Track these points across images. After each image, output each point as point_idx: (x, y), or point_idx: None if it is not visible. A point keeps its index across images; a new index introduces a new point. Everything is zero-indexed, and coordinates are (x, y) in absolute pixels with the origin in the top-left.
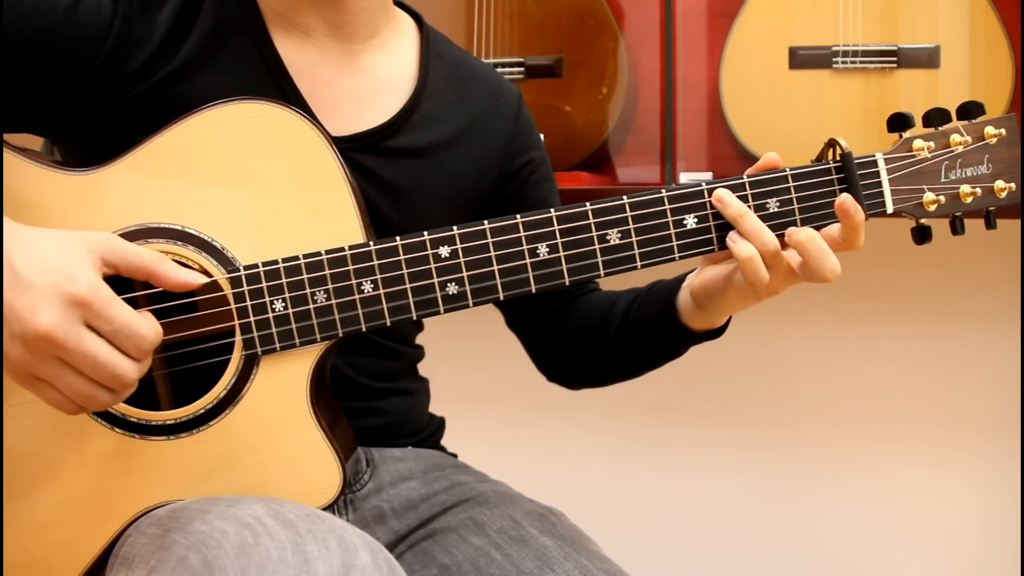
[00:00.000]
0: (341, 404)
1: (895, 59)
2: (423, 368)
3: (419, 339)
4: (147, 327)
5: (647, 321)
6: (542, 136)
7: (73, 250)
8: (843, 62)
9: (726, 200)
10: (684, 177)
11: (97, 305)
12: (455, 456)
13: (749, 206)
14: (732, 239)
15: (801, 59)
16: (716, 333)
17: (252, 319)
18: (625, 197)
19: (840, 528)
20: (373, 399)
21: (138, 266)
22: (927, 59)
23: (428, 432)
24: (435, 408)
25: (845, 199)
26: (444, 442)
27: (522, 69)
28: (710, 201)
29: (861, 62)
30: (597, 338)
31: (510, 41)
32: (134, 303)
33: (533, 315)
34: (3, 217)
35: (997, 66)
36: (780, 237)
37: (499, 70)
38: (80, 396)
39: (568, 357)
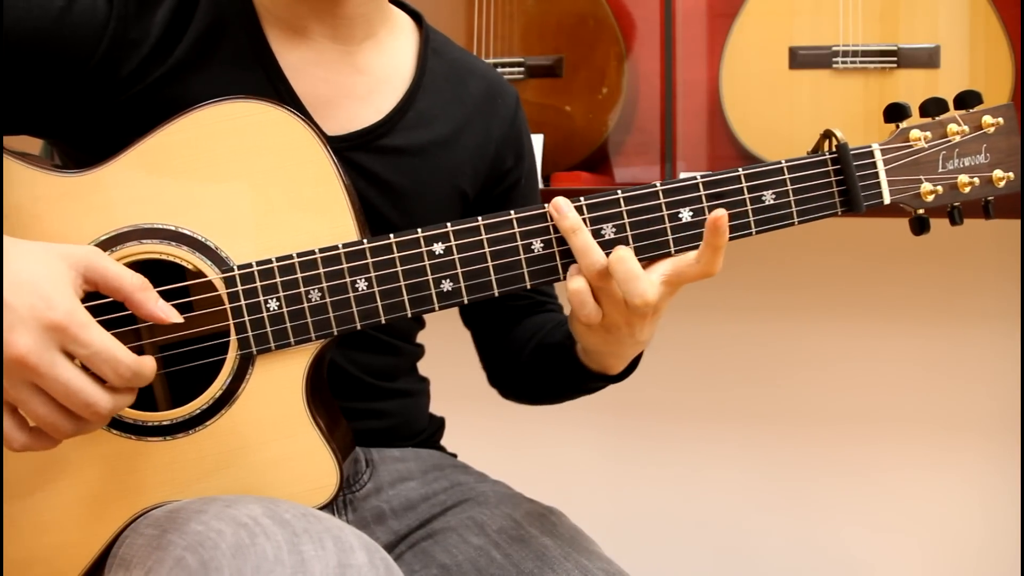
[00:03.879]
0: (343, 404)
1: (895, 59)
2: (423, 368)
3: (420, 338)
4: (124, 352)
5: (551, 347)
6: (542, 136)
7: (54, 270)
8: (843, 62)
9: (563, 211)
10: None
11: (73, 329)
12: (455, 456)
13: (745, 199)
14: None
15: (801, 59)
16: (615, 379)
17: (247, 318)
18: (619, 191)
19: (840, 528)
20: (375, 400)
21: (116, 287)
22: (927, 59)
23: (428, 433)
24: (435, 408)
25: (719, 216)
26: (444, 442)
27: (522, 69)
28: (705, 195)
29: (861, 62)
30: (519, 355)
31: (510, 41)
32: (131, 319)
33: (483, 319)
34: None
35: (997, 66)
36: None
37: (499, 70)
38: (44, 423)
39: (500, 368)
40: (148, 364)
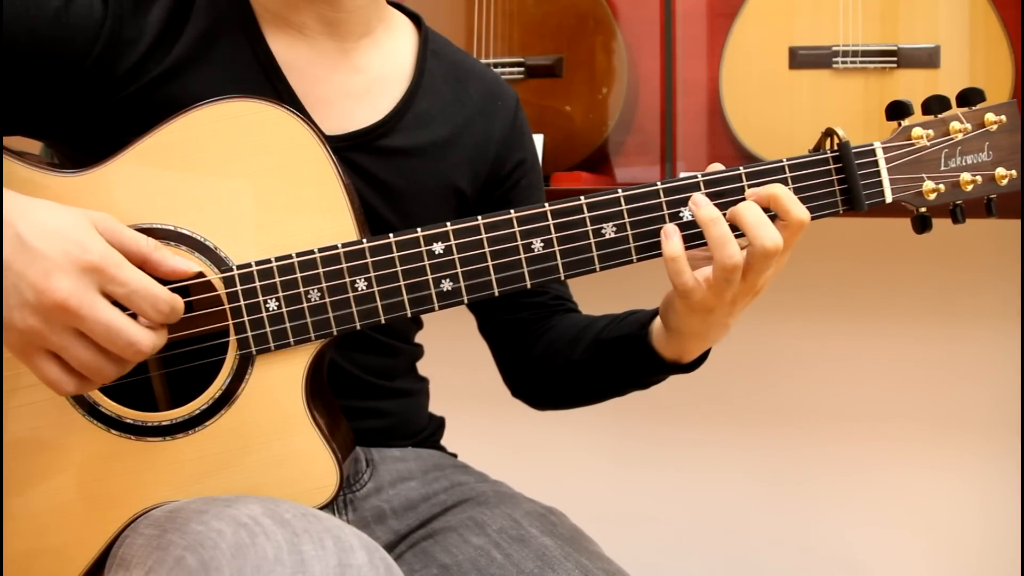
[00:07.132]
0: (342, 403)
1: (895, 59)
2: (423, 368)
3: (419, 338)
4: (160, 288)
5: (618, 340)
6: (542, 136)
7: (78, 220)
8: (843, 62)
9: (700, 202)
10: None
11: (111, 269)
12: (455, 456)
13: (746, 197)
14: (666, 233)
15: (801, 59)
16: (686, 368)
17: (246, 318)
18: (620, 190)
19: (840, 527)
20: (374, 399)
21: (134, 250)
22: (927, 59)
23: (428, 432)
24: (435, 408)
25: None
26: (444, 442)
27: (522, 69)
28: (706, 194)
29: (861, 62)
30: (566, 354)
31: (510, 41)
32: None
33: (504, 324)
34: (3, 193)
35: (997, 66)
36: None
37: (499, 70)
38: (87, 368)
39: (534, 372)
40: (180, 300)
